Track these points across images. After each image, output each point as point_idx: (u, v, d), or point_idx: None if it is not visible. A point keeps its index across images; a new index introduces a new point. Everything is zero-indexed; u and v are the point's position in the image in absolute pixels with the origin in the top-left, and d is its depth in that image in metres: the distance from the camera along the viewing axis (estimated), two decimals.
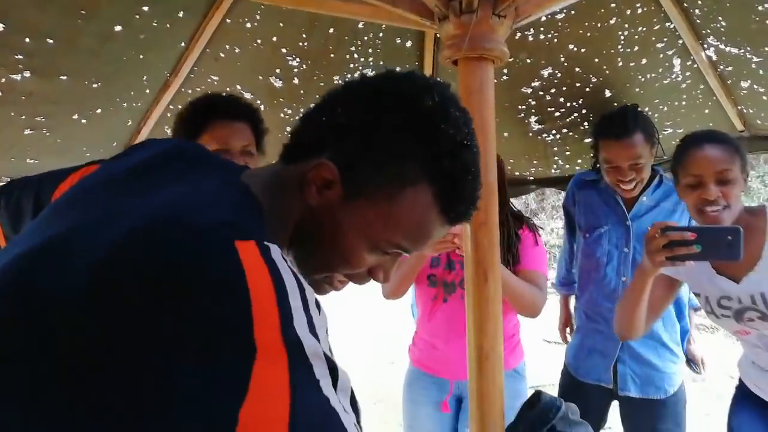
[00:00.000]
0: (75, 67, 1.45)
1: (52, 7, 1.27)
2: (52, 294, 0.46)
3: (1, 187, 0.90)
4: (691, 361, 2.13)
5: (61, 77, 1.45)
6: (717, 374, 4.69)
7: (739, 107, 2.07)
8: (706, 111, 2.11)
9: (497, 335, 1.11)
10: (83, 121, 1.62)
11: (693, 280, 1.54)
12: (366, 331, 5.94)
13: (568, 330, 2.34)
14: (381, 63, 1.98)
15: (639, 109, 1.88)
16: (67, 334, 0.44)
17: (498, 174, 1.82)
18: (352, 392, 0.51)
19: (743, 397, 1.64)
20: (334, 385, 0.47)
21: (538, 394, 1.16)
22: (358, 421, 0.50)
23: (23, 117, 1.51)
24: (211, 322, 0.43)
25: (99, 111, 1.63)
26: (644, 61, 1.92)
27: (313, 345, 0.46)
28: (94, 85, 1.53)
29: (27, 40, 1.33)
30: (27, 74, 1.38)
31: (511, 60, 1.91)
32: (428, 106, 0.63)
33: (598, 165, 1.95)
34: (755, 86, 1.92)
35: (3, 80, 1.38)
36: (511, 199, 2.04)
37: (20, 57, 1.35)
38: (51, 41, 1.35)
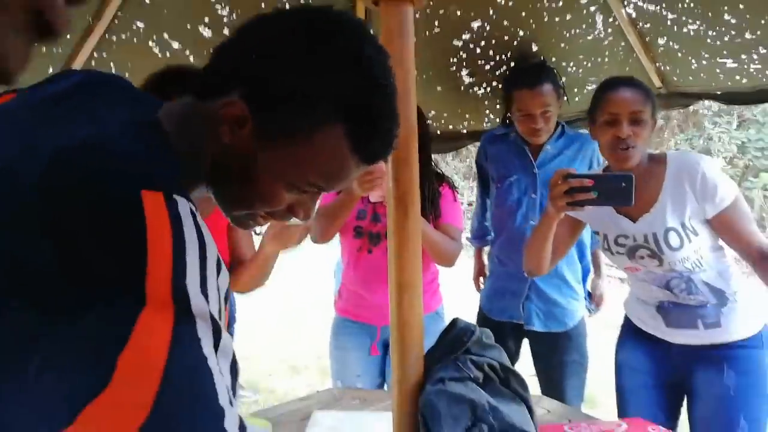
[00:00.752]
0: None
1: None
2: None
3: None
4: (590, 299, 2.31)
5: None
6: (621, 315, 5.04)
7: (657, 64, 2.17)
8: (627, 68, 2.20)
9: (416, 268, 1.16)
10: None
11: (594, 219, 1.66)
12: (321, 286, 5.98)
13: (481, 279, 2.50)
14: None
15: (547, 63, 2.05)
16: None
17: (420, 127, 1.88)
18: (234, 358, 0.52)
19: (627, 332, 1.80)
20: (216, 347, 0.48)
21: (454, 321, 1.23)
22: (234, 386, 0.51)
23: None
24: (105, 271, 0.44)
25: None
26: (569, 16, 1.99)
27: (201, 304, 0.47)
28: None
29: None
30: None
31: (442, 12, 1.95)
32: (342, 44, 0.62)
33: (508, 117, 2.11)
34: (671, 43, 2.03)
35: None
36: (455, 162, 2.12)
37: None
38: None
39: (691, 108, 7.46)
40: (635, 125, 1.48)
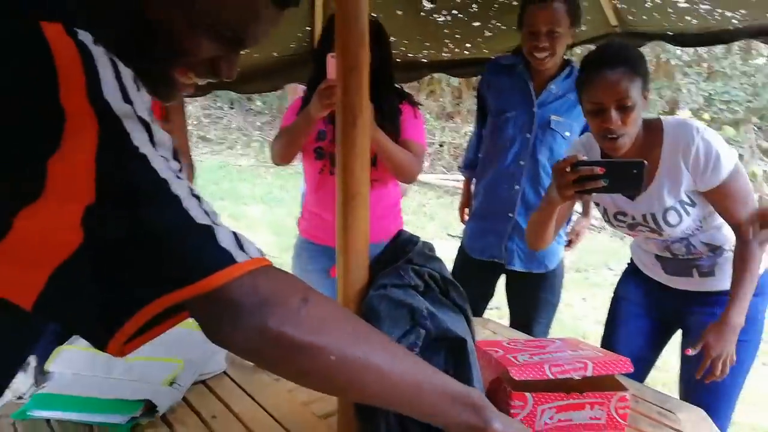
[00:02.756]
0: None
1: None
2: None
3: None
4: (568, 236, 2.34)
5: None
6: (597, 267, 5.27)
7: (613, 2, 2.20)
8: (585, 3, 2.22)
9: (363, 177, 1.18)
10: None
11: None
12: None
13: (466, 211, 2.47)
14: None
15: None
16: None
17: (383, 45, 1.87)
18: (175, 149, 0.55)
19: (629, 271, 1.88)
20: (152, 142, 0.51)
21: (399, 232, 1.28)
22: (182, 171, 0.55)
23: None
24: (19, 89, 0.45)
25: None
26: None
27: (123, 107, 0.49)
28: None
29: None
30: None
31: None
32: None
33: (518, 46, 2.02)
34: None
35: None
36: (427, 101, 2.11)
37: None
38: None
39: (663, 57, 7.56)
40: (623, 111, 1.40)
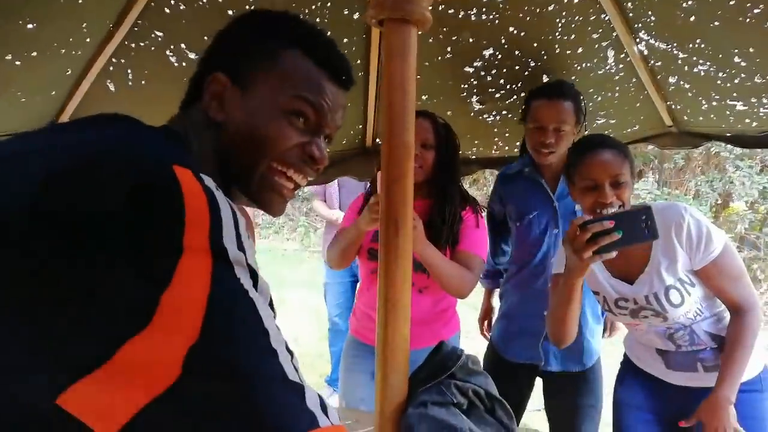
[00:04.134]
0: (7, 5, 1.43)
1: None
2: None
3: None
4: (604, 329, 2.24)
5: None
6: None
7: (668, 102, 2.18)
8: (638, 105, 2.21)
9: (404, 287, 1.16)
10: (17, 62, 1.59)
11: (591, 279, 1.65)
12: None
13: (486, 323, 2.44)
14: (329, 33, 2.00)
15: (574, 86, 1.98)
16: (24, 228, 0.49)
17: (450, 147, 1.89)
18: (271, 299, 0.58)
19: (626, 370, 1.79)
20: (255, 288, 0.54)
21: (440, 344, 1.23)
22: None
23: None
24: (147, 223, 0.48)
25: (35, 54, 1.61)
26: (580, 50, 2.01)
27: (237, 254, 0.52)
28: (29, 26, 1.51)
29: None
30: None
31: (455, 38, 1.97)
32: (271, 11, 0.81)
33: (523, 147, 2.06)
34: (682, 82, 2.03)
35: None
36: (471, 189, 2.13)
37: None
38: None
39: (713, 150, 7.42)
40: (617, 188, 1.48)
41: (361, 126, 2.51)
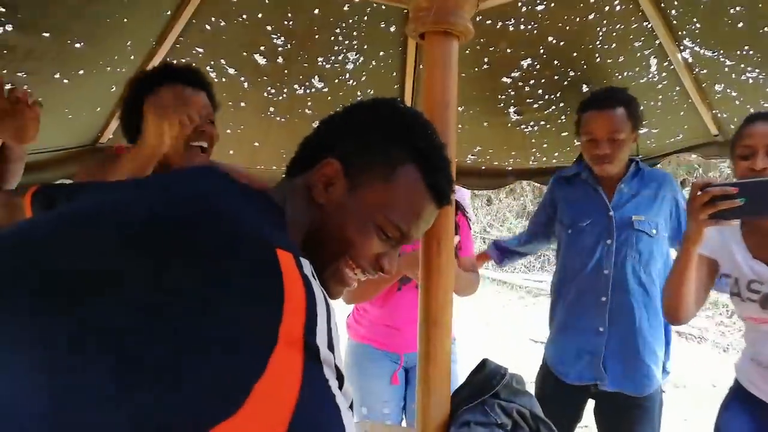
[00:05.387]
0: (58, 25, 1.47)
1: None
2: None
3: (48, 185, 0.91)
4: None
5: (44, 34, 1.47)
6: (700, 382, 4.77)
7: (713, 111, 2.11)
8: (681, 113, 2.15)
9: (446, 305, 1.14)
10: (65, 80, 1.64)
11: (726, 259, 1.56)
12: None
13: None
14: (365, 47, 2.01)
15: (628, 91, 1.91)
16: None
17: None
18: (351, 402, 0.57)
19: (735, 396, 1.64)
20: (341, 390, 0.53)
21: (484, 362, 1.20)
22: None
23: (5, 71, 1.53)
24: (247, 305, 0.49)
25: (81, 72, 1.65)
26: (621, 58, 1.96)
27: (327, 354, 0.52)
28: (77, 45, 1.55)
29: None
30: (9, 27, 1.40)
31: (492, 48, 1.95)
32: (402, 109, 0.83)
33: (580, 154, 1.99)
34: (728, 90, 1.97)
35: None
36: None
37: (2, 9, 1.37)
38: None
39: None
40: None
41: None
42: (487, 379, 1.14)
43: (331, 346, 0.53)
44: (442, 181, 0.81)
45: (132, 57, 1.77)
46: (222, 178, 0.72)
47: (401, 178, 0.77)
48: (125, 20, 1.59)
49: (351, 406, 0.56)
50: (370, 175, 0.76)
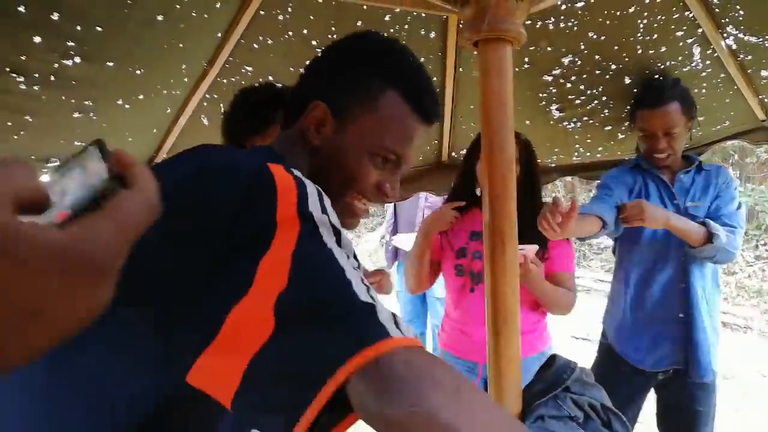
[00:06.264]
0: (120, 54, 1.56)
1: None
2: None
3: None
4: None
5: (108, 63, 1.56)
6: (749, 372, 4.66)
7: (760, 96, 2.08)
8: (727, 100, 2.13)
9: (513, 303, 1.17)
10: (126, 106, 1.73)
11: None
12: None
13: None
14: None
15: (679, 81, 1.92)
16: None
17: (531, 162, 1.89)
18: (354, 253, 0.65)
19: None
20: (339, 243, 0.60)
21: (553, 357, 1.22)
22: (359, 268, 0.64)
23: (73, 101, 1.62)
24: (248, 209, 0.57)
25: (141, 97, 1.74)
26: (663, 49, 1.96)
27: (321, 217, 0.59)
28: (138, 72, 1.63)
29: (78, 27, 1.43)
30: (77, 60, 1.49)
31: (532, 48, 1.97)
32: (375, 40, 0.85)
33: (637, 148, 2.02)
34: None
35: (56, 65, 1.49)
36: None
37: (72, 44, 1.46)
38: (99, 29, 1.46)
39: None
40: None
41: (436, 141, 2.54)
42: (558, 373, 1.16)
43: (325, 212, 0.61)
44: (425, 100, 0.82)
45: (186, 79, 1.85)
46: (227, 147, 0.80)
47: (385, 106, 0.79)
48: (180, 45, 1.66)
49: (354, 256, 0.64)
50: (355, 109, 0.79)
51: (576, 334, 5.39)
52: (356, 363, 0.51)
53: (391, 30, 1.92)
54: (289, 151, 0.80)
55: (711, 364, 1.90)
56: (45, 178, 0.32)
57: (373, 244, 9.84)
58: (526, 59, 2.02)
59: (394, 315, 0.58)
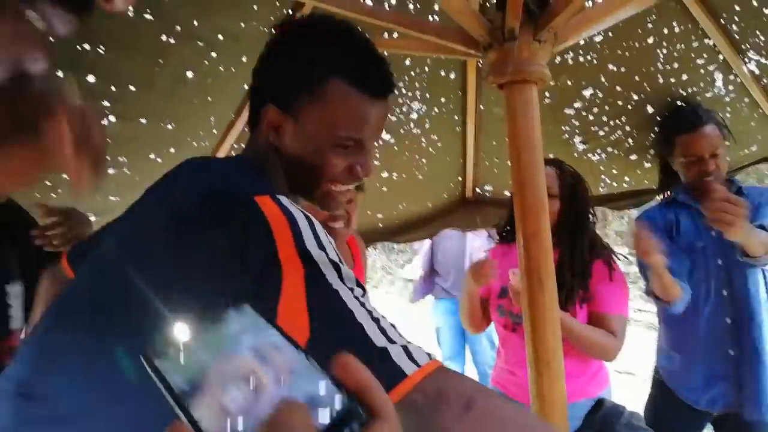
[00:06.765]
0: (152, 110, 1.61)
1: (137, 55, 1.43)
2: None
3: None
4: None
5: (141, 120, 1.61)
6: None
7: None
8: (752, 123, 2.11)
9: (554, 345, 1.15)
10: (158, 160, 1.77)
11: None
12: None
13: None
14: (427, 95, 2.09)
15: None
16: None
17: (578, 195, 1.80)
18: (357, 279, 0.68)
19: None
20: (340, 278, 0.64)
21: (601, 401, 1.19)
22: (365, 294, 0.68)
23: (107, 158, 1.67)
24: (249, 247, 0.61)
25: (172, 150, 1.78)
26: (685, 77, 1.96)
27: (319, 254, 0.64)
28: (168, 126, 1.68)
29: (113, 88, 1.49)
30: (112, 118, 1.54)
31: (553, 83, 1.98)
32: (306, 29, 0.83)
33: (663, 181, 2.00)
34: None
35: None
36: None
37: (107, 104, 1.51)
38: (132, 88, 1.51)
39: None
40: None
41: (460, 178, 2.55)
42: (607, 418, 1.13)
43: (321, 246, 0.65)
44: (371, 77, 0.80)
45: (214, 131, 1.90)
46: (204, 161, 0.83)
47: (331, 96, 0.78)
48: (209, 98, 1.71)
49: (358, 282, 0.67)
50: (304, 105, 0.79)
51: (619, 368, 5.23)
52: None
53: (412, 73, 1.96)
54: (262, 159, 0.83)
55: (763, 403, 1.78)
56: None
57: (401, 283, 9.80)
58: (547, 94, 2.04)
59: (405, 347, 0.61)
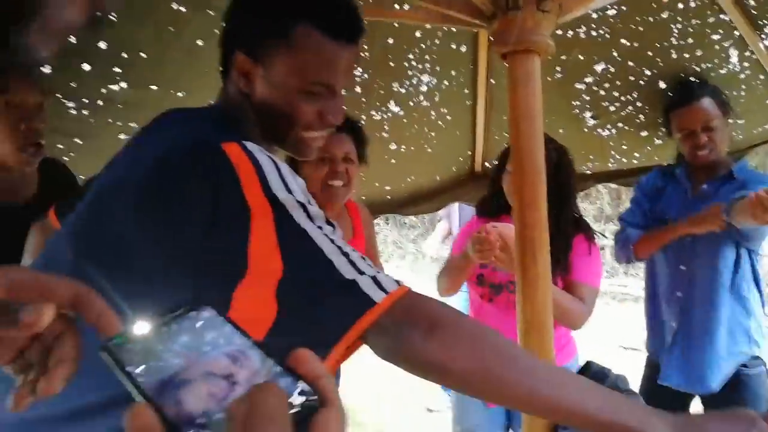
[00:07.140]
0: (164, 78, 1.64)
1: (149, 23, 1.46)
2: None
3: None
4: None
5: (152, 87, 1.64)
6: None
7: None
8: (767, 101, 2.08)
9: (546, 310, 1.17)
10: None
11: None
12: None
13: None
14: (437, 68, 2.08)
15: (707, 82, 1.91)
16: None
17: (563, 170, 1.81)
18: (326, 217, 0.72)
19: None
20: (308, 216, 0.68)
21: (588, 364, 1.21)
22: (334, 231, 0.72)
23: (119, 124, 1.71)
24: (218, 194, 0.64)
25: None
26: (699, 52, 1.93)
27: (286, 197, 0.66)
28: (179, 94, 1.71)
29: (124, 54, 1.52)
30: (123, 85, 1.58)
31: (564, 57, 1.97)
32: None
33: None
34: None
35: (104, 91, 1.58)
36: (584, 204, 1.99)
37: (118, 70, 1.55)
38: (144, 55, 1.54)
39: None
40: None
41: (470, 152, 2.55)
42: (593, 380, 1.15)
43: (288, 189, 0.67)
44: (338, 22, 0.80)
45: None
46: (177, 114, 0.85)
47: (298, 41, 0.78)
48: (221, 68, 1.73)
49: (328, 222, 0.71)
50: (272, 51, 0.79)
51: (625, 344, 5.25)
52: (347, 339, 0.62)
53: (423, 46, 1.96)
54: (234, 108, 0.83)
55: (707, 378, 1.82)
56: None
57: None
58: (558, 68, 2.02)
59: (374, 277, 0.66)
